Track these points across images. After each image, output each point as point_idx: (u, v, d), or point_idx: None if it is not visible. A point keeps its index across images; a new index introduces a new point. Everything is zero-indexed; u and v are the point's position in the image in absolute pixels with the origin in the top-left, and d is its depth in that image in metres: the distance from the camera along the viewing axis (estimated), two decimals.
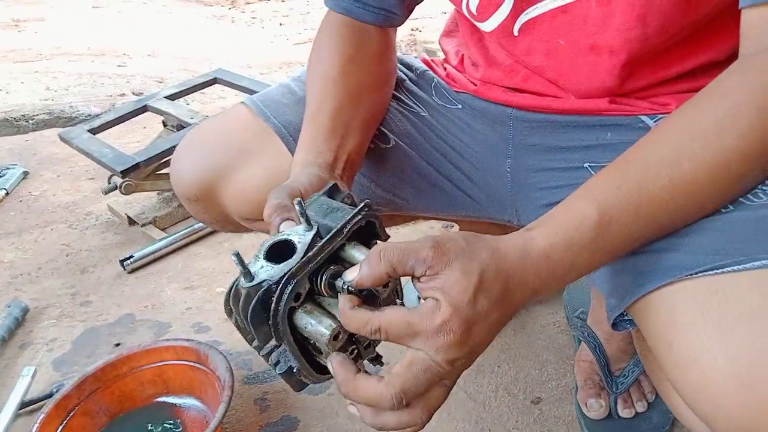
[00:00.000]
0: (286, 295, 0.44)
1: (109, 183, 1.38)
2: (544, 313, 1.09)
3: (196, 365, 0.92)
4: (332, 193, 0.52)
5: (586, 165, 0.68)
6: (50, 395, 0.95)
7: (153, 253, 1.32)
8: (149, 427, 0.90)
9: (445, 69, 0.80)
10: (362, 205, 0.48)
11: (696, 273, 0.47)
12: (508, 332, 1.05)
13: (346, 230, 0.46)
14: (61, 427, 0.85)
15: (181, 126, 1.46)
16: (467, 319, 0.43)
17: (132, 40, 2.96)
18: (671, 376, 0.48)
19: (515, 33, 0.66)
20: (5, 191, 1.60)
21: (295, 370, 0.47)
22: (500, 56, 0.71)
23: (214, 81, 1.65)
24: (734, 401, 0.43)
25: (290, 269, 0.44)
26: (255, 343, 0.46)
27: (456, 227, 1.19)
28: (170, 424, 0.90)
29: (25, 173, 1.70)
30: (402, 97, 0.78)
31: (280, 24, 3.36)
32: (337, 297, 0.45)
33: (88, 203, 1.56)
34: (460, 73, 0.78)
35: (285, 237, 0.47)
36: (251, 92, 1.49)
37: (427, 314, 0.43)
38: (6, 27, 3.25)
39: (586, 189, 0.49)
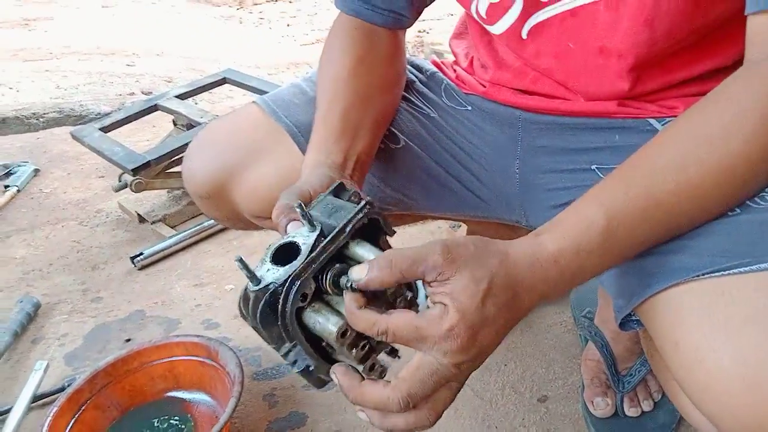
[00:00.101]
0: (292, 296, 0.45)
1: (120, 181, 1.39)
2: (551, 312, 1.09)
3: (207, 361, 0.93)
4: (338, 192, 0.53)
5: (593, 167, 0.68)
6: (62, 389, 0.97)
7: (163, 250, 1.33)
8: (159, 422, 0.91)
9: (454, 71, 0.81)
10: (363, 203, 0.49)
11: (703, 274, 0.48)
12: (515, 331, 1.06)
13: (348, 229, 0.47)
14: (73, 421, 0.87)
15: (191, 125, 1.48)
16: (474, 325, 0.43)
17: (141, 40, 2.98)
18: (678, 375, 0.49)
19: (524, 36, 0.66)
20: (17, 188, 1.62)
21: (311, 369, 0.48)
22: (509, 58, 0.72)
23: (223, 81, 1.66)
24: (740, 401, 0.44)
25: (294, 270, 0.45)
26: (272, 344, 0.47)
27: (464, 227, 1.20)
28: (180, 419, 0.92)
29: (36, 171, 1.72)
30: (412, 99, 0.79)
31: (288, 25, 3.38)
32: (342, 295, 0.46)
33: (98, 201, 1.58)
34: (469, 75, 0.78)
35: (290, 239, 0.47)
36: (260, 92, 1.50)
37: (435, 319, 0.43)
38: (16, 26, 3.28)
39: (593, 194, 0.50)
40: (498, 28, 0.68)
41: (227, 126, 0.79)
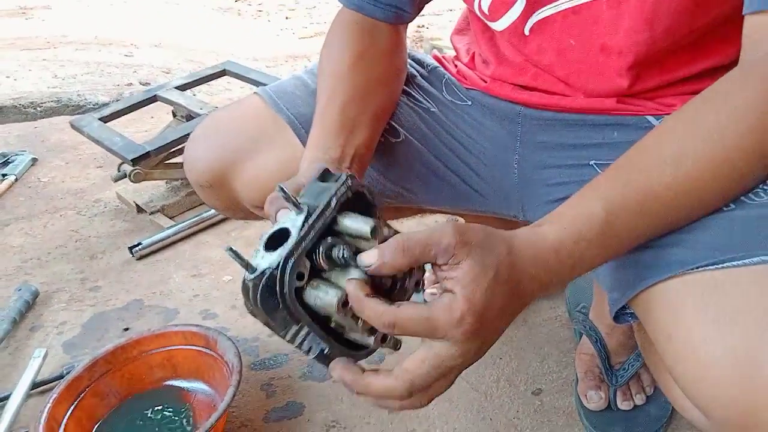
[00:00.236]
0: (287, 276, 0.45)
1: (119, 171, 1.39)
2: (546, 307, 1.11)
3: (205, 350, 0.93)
4: (324, 177, 0.52)
5: (592, 163, 0.69)
6: (61, 376, 0.97)
7: (161, 240, 1.34)
8: (157, 410, 0.92)
9: (455, 66, 0.82)
10: (345, 176, 0.49)
11: (697, 268, 0.49)
12: (511, 325, 1.06)
13: (333, 203, 0.47)
14: (72, 408, 0.87)
15: (190, 116, 1.48)
16: (481, 313, 0.44)
17: (139, 30, 2.97)
18: (671, 367, 0.50)
19: (526, 32, 0.67)
20: (15, 177, 1.61)
21: (326, 352, 0.48)
22: (511, 54, 0.72)
23: (223, 73, 1.66)
24: (731, 392, 0.45)
25: (286, 252, 0.45)
26: (284, 335, 0.47)
27: (461, 221, 1.21)
28: (178, 407, 0.92)
29: (34, 160, 1.72)
30: (412, 93, 0.79)
31: (286, 18, 3.37)
32: (335, 268, 0.47)
33: (96, 190, 1.58)
34: (470, 70, 0.79)
35: (280, 226, 0.47)
36: (259, 84, 1.50)
37: (445, 309, 0.44)
38: (13, 14, 3.26)
39: (592, 187, 0.51)
40: (500, 25, 0.68)
41: (229, 116, 0.80)
